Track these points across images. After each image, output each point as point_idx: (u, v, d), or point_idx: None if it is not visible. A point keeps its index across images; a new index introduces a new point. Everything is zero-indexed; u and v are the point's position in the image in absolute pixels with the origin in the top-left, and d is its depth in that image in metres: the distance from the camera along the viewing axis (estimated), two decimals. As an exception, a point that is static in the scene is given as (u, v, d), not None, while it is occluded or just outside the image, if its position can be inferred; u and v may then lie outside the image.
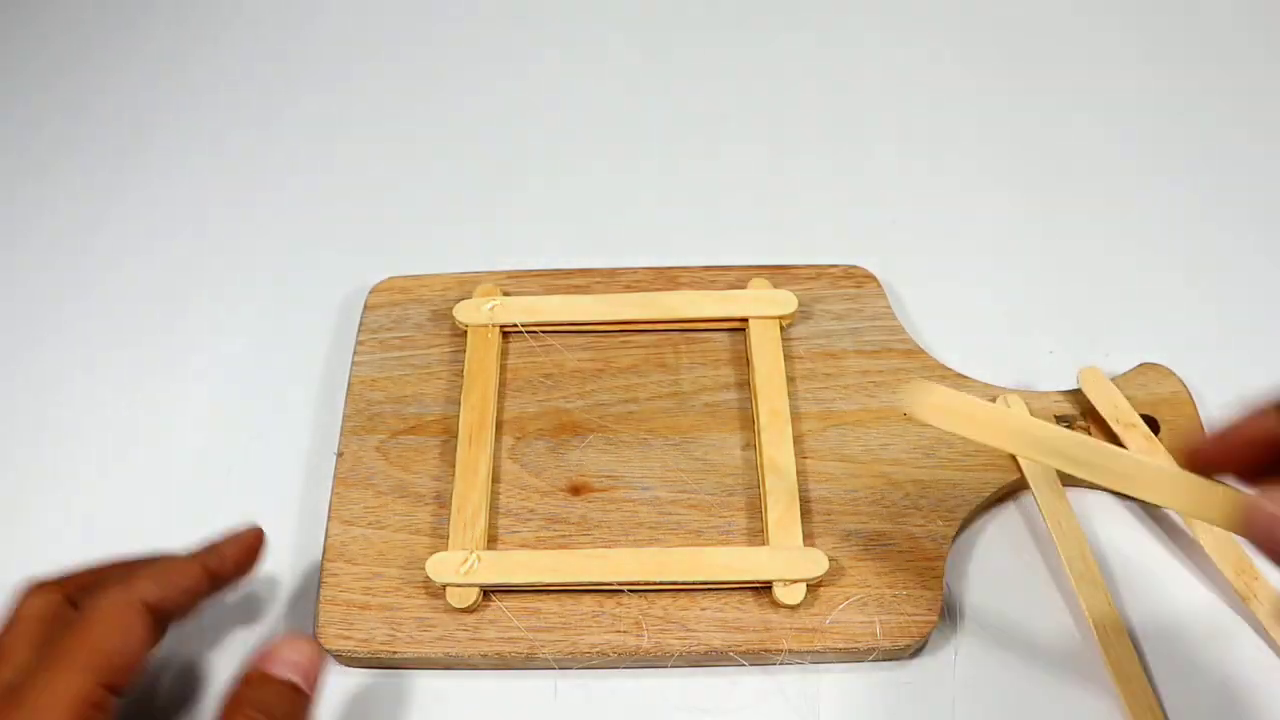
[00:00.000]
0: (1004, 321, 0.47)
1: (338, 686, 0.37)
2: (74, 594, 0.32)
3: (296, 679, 0.31)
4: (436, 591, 0.37)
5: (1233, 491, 0.28)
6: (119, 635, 0.29)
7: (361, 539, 0.39)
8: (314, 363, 0.46)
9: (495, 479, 0.40)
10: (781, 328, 0.44)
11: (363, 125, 0.55)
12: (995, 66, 0.57)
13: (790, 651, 0.36)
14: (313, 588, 0.39)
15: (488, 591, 0.38)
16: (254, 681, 0.31)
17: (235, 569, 0.35)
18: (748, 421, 0.42)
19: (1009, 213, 0.51)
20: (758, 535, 0.39)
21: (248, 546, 0.36)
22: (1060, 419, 0.42)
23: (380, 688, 0.38)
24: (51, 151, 0.54)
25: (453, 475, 0.39)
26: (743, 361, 0.43)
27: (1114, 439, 0.40)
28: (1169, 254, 0.49)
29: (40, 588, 0.32)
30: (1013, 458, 0.40)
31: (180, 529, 0.41)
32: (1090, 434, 0.41)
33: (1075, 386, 0.42)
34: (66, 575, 0.33)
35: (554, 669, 0.37)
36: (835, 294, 0.45)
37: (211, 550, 0.35)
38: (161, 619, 0.32)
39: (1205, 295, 0.48)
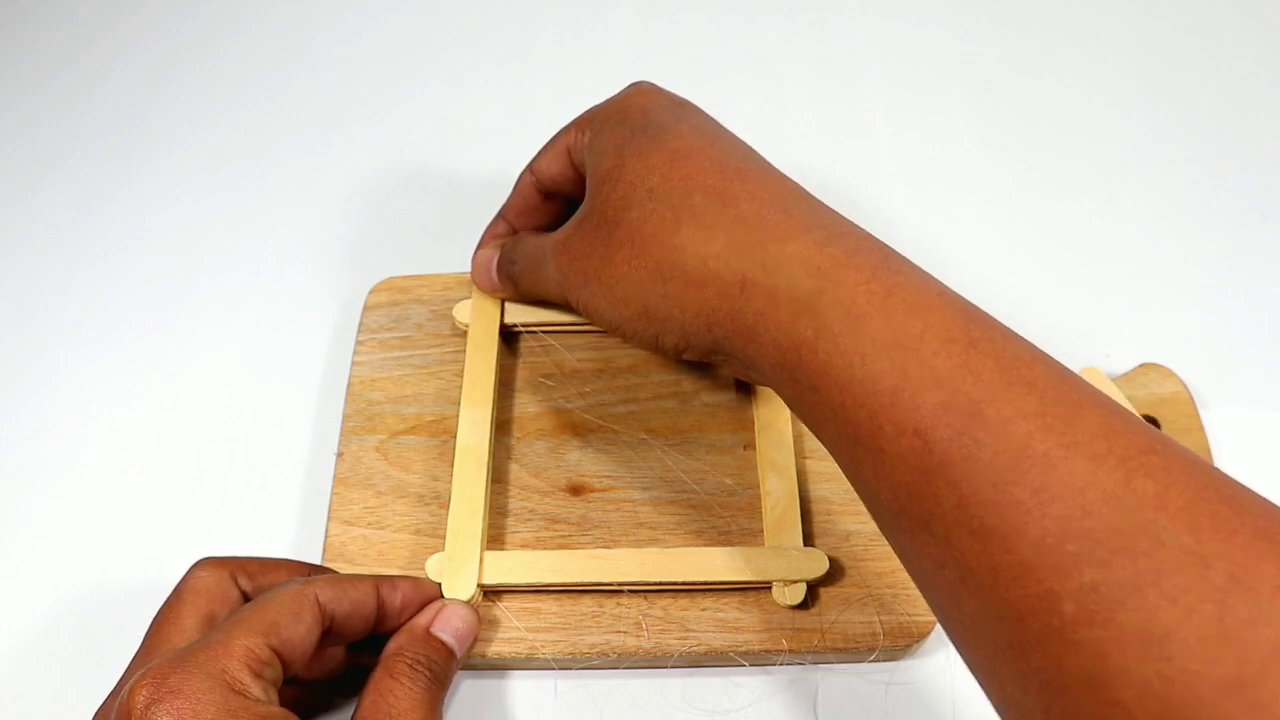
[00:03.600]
0: (1003, 321, 0.47)
1: (338, 686, 0.37)
2: (239, 574, 0.33)
3: (453, 643, 0.34)
4: (436, 591, 0.37)
5: None
6: (291, 616, 0.30)
7: (361, 539, 0.39)
8: (314, 363, 0.46)
9: (495, 479, 0.40)
10: (781, 328, 0.44)
11: (363, 125, 0.55)
12: (996, 63, 0.57)
13: (790, 651, 0.36)
14: (313, 588, 0.39)
15: (488, 591, 0.38)
16: (419, 637, 0.34)
17: (404, 608, 0.35)
18: (748, 421, 0.42)
19: (1008, 212, 0.51)
20: (758, 535, 0.39)
21: (425, 594, 0.35)
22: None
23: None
24: (48, 152, 0.54)
25: (452, 475, 0.39)
26: (743, 361, 0.43)
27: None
28: (1169, 254, 0.49)
29: (208, 563, 0.33)
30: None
31: (180, 529, 0.42)
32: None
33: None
34: (235, 557, 0.34)
35: (554, 669, 0.37)
36: (835, 294, 0.45)
37: (387, 579, 0.35)
38: (328, 621, 0.32)
39: (1205, 295, 0.48)
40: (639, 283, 0.32)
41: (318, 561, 0.39)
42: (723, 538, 0.39)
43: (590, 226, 0.35)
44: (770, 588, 0.37)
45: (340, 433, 0.42)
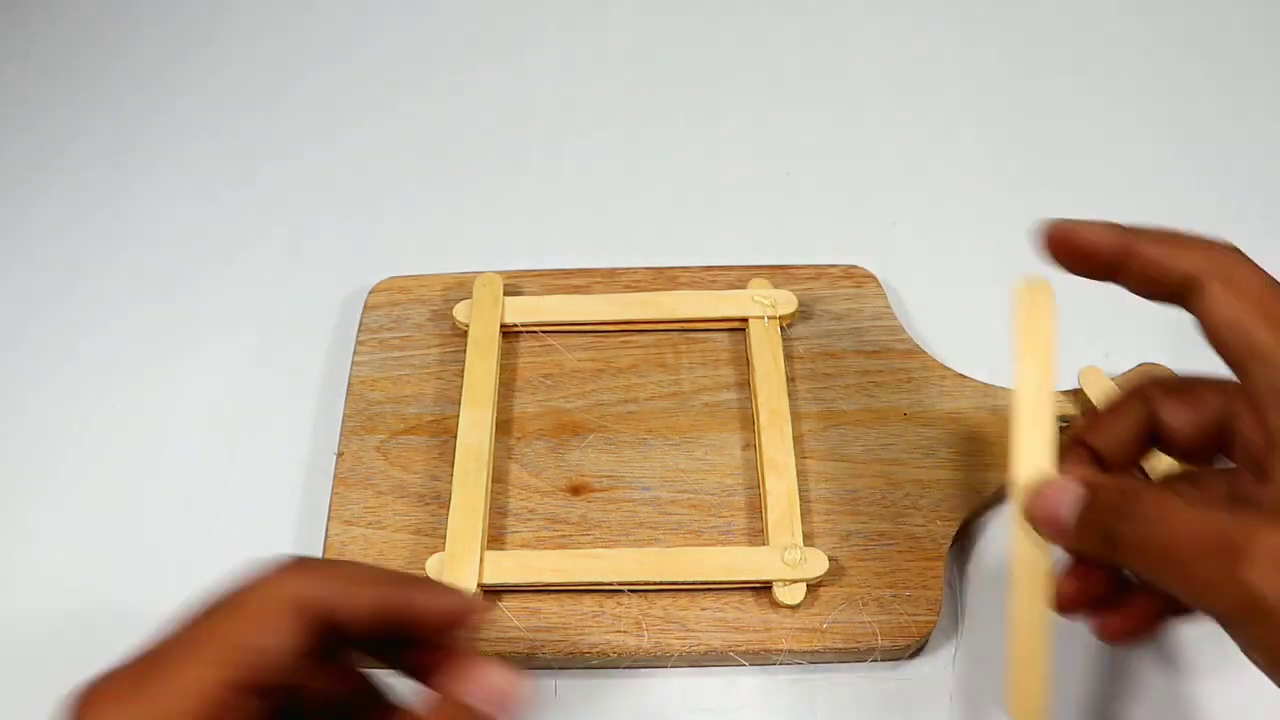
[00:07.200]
0: (1004, 321, 0.47)
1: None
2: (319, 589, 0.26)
3: (494, 712, 0.27)
4: (436, 591, 0.37)
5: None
6: (256, 632, 0.25)
7: (361, 539, 0.39)
8: (314, 363, 0.46)
9: (495, 479, 0.40)
10: (781, 328, 0.44)
11: (362, 125, 0.55)
12: (996, 66, 0.57)
13: (790, 651, 0.36)
14: (313, 588, 0.39)
15: (488, 591, 0.38)
16: (455, 712, 0.27)
17: (426, 602, 0.27)
18: (748, 421, 0.42)
19: (1009, 212, 0.51)
20: (758, 535, 0.39)
21: (456, 602, 0.28)
22: (1060, 419, 0.42)
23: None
24: (49, 150, 0.54)
25: (452, 475, 0.39)
26: (743, 361, 0.43)
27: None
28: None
29: (288, 573, 0.27)
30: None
31: (181, 529, 0.42)
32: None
33: (1076, 386, 0.43)
34: (322, 568, 0.28)
35: (554, 669, 0.37)
36: (835, 294, 0.45)
37: (412, 578, 0.29)
38: (317, 621, 0.25)
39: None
40: None
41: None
42: (723, 538, 0.39)
43: None
44: (770, 588, 0.37)
45: (340, 433, 0.42)
